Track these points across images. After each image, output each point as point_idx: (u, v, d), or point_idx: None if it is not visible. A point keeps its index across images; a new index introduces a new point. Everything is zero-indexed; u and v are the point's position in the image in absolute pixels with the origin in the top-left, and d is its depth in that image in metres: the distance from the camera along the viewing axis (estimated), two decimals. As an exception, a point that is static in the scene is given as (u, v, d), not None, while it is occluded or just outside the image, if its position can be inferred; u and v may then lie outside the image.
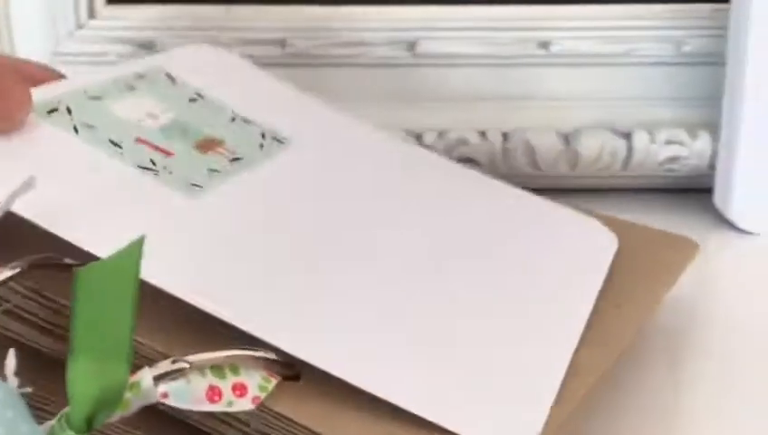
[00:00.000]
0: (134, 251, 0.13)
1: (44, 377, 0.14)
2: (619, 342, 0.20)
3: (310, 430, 0.14)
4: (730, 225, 0.35)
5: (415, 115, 0.38)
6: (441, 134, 0.37)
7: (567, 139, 0.37)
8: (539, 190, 0.29)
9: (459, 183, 0.26)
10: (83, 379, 0.12)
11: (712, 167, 0.36)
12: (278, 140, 0.25)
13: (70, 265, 0.16)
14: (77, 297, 0.12)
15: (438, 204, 0.24)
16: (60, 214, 0.17)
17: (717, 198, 0.35)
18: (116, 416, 0.13)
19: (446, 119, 0.37)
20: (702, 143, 0.36)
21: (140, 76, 0.25)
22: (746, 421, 0.23)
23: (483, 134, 0.37)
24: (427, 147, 0.35)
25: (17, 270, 0.16)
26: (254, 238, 0.20)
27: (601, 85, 0.38)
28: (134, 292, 0.12)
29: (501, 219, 0.25)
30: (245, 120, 0.25)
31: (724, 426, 0.22)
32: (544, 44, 0.38)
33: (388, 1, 0.38)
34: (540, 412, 0.16)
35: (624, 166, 0.37)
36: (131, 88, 0.24)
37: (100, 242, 0.15)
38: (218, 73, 0.28)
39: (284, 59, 0.38)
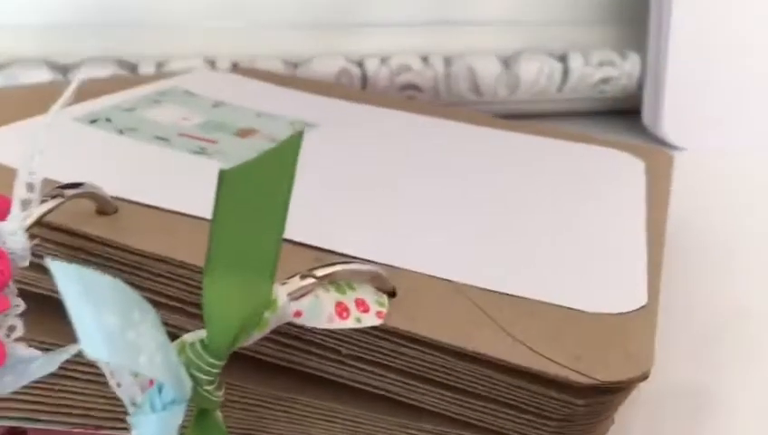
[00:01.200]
0: (291, 148, 0.11)
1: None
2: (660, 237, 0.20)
3: (429, 340, 0.13)
4: (660, 142, 0.36)
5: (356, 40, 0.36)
6: (383, 60, 0.35)
7: (507, 63, 0.37)
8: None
9: (487, 143, 0.25)
10: (226, 298, 0.10)
11: (641, 87, 0.38)
12: (308, 124, 0.24)
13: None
14: (220, 204, 0.10)
15: (477, 164, 0.23)
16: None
17: (646, 117, 0.37)
18: (253, 338, 0.11)
19: (387, 44, 0.36)
20: (631, 64, 0.38)
21: (162, 93, 0.25)
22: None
23: (425, 60, 0.36)
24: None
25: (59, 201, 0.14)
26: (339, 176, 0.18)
27: (534, 8, 0.38)
28: (287, 195, 0.11)
29: (538, 172, 0.24)
30: (270, 115, 0.24)
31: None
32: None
33: None
34: (641, 284, 0.16)
35: (559, 89, 0.37)
36: (157, 102, 0.24)
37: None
38: (232, 88, 0.27)
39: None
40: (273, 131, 0.23)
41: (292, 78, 0.32)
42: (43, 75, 0.32)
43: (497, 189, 0.20)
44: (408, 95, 0.36)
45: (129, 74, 0.32)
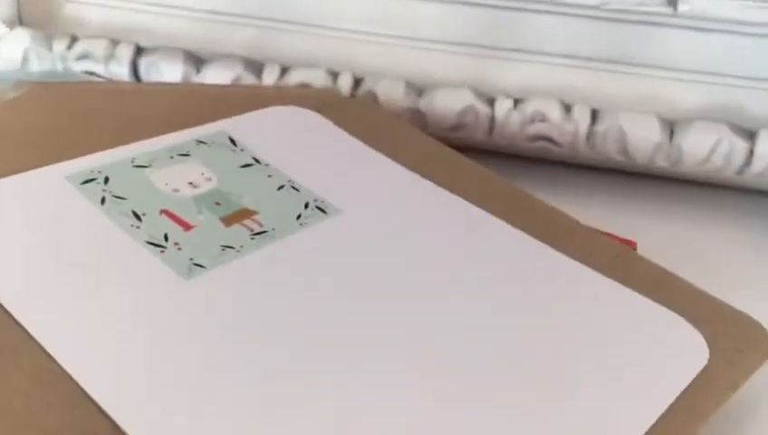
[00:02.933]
0: None
1: None
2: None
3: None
4: None
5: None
6: (517, 103, 0.31)
7: (671, 129, 0.30)
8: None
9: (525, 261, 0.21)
10: None
11: None
12: (322, 210, 0.21)
13: None
14: None
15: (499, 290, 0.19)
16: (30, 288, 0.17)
17: None
18: None
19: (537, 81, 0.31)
20: None
21: (201, 142, 0.23)
22: None
23: (567, 109, 0.30)
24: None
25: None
26: (210, 337, 0.17)
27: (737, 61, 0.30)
28: None
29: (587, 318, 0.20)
30: (295, 188, 0.22)
31: None
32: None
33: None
34: None
35: (740, 172, 0.29)
36: (186, 154, 0.23)
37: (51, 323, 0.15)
38: (294, 135, 0.25)
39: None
40: (273, 216, 0.21)
41: (392, 120, 0.29)
42: (177, 69, 0.33)
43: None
44: (542, 147, 0.31)
45: (212, 85, 0.31)
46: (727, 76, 0.30)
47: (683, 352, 0.18)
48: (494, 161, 0.32)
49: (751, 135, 0.29)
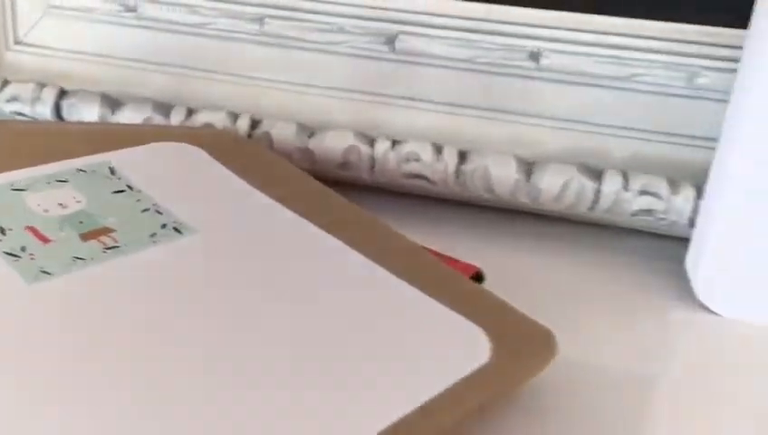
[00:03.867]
0: None
1: None
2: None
3: None
4: (694, 299, 0.30)
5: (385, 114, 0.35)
6: (395, 144, 0.34)
7: (528, 170, 0.33)
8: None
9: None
10: None
11: (692, 224, 0.31)
12: (178, 231, 0.24)
13: None
14: None
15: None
16: None
17: (689, 263, 0.31)
18: None
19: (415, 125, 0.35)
20: (683, 199, 0.31)
21: (81, 170, 0.26)
22: None
23: (438, 151, 0.33)
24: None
25: None
26: (49, 340, 0.19)
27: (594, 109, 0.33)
28: None
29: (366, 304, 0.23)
30: (159, 212, 0.25)
31: None
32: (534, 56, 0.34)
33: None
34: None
35: (591, 208, 0.32)
36: (64, 181, 0.25)
37: None
38: (172, 168, 0.28)
39: (263, 37, 0.36)
40: (128, 234, 0.24)
41: (272, 157, 0.32)
42: (94, 110, 0.36)
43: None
44: (418, 184, 0.34)
45: (118, 124, 0.34)
46: (584, 123, 0.33)
47: (464, 349, 0.21)
48: (379, 197, 0.35)
49: (598, 175, 0.32)
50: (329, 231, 0.26)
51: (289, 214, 0.27)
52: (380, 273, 0.24)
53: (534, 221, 0.35)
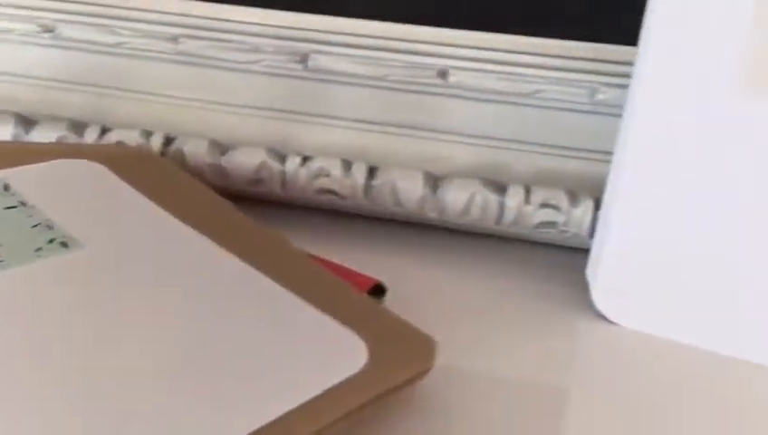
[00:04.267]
0: None
1: None
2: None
3: None
4: (594, 309, 0.31)
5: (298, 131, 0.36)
6: (305, 160, 0.34)
7: (436, 184, 0.33)
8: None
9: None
10: None
11: (593, 235, 0.32)
12: (65, 245, 0.24)
13: None
14: None
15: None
16: None
17: (589, 273, 0.31)
18: None
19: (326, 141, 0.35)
20: (583, 211, 0.32)
21: None
22: None
23: (347, 166, 0.34)
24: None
25: None
26: None
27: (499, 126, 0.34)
28: None
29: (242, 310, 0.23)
30: (50, 227, 0.25)
31: None
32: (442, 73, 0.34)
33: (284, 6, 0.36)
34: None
35: (497, 222, 0.33)
36: None
37: None
38: (71, 184, 0.28)
39: (177, 56, 0.37)
40: (12, 249, 0.24)
41: (178, 174, 0.32)
42: (8, 130, 0.36)
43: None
44: (329, 199, 0.34)
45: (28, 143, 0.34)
46: (490, 138, 0.34)
47: (340, 356, 0.21)
48: (292, 212, 0.36)
49: (502, 189, 0.33)
50: (219, 243, 0.26)
51: (180, 226, 0.27)
52: (265, 282, 0.24)
53: (444, 235, 0.35)
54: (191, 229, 0.27)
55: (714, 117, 0.27)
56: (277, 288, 0.24)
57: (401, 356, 0.22)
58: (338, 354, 0.22)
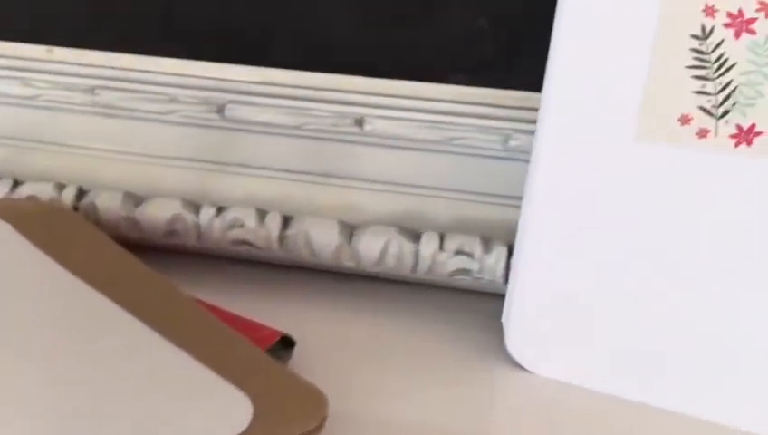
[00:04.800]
0: None
1: None
2: None
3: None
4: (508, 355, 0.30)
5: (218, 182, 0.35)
6: (220, 211, 0.34)
7: (351, 233, 0.33)
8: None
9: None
10: None
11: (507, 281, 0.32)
12: None
13: None
14: None
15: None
16: None
17: (504, 320, 0.31)
18: None
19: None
20: (495, 258, 0.32)
21: None
22: None
23: (262, 217, 0.33)
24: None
25: None
26: None
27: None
28: None
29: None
30: None
31: None
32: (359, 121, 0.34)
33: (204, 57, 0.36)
34: None
35: (413, 270, 0.33)
36: None
37: None
38: None
39: (95, 108, 0.36)
40: None
41: (85, 229, 0.31)
42: None
43: None
44: (245, 250, 0.34)
45: None
46: (407, 185, 0.34)
47: (225, 415, 0.21)
48: (208, 262, 0.35)
49: (417, 237, 0.32)
50: (112, 297, 0.25)
51: (75, 282, 0.26)
52: (154, 338, 0.24)
53: (361, 282, 0.35)
54: (84, 285, 0.26)
55: (613, 163, 0.28)
56: (166, 344, 0.23)
57: (289, 413, 0.22)
58: (220, 412, 0.21)
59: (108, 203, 0.34)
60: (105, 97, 0.36)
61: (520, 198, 0.33)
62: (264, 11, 0.35)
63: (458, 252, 0.32)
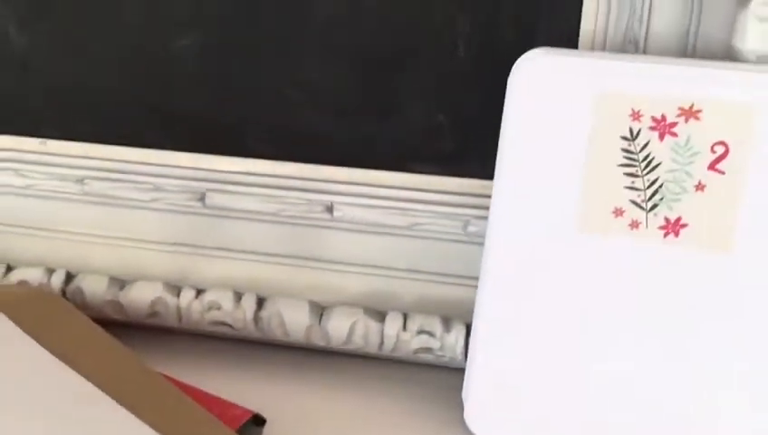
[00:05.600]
0: None
1: None
2: None
3: None
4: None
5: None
6: (199, 293, 0.36)
7: (321, 314, 0.35)
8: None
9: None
10: None
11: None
12: None
13: None
14: None
15: None
16: None
17: (464, 393, 0.33)
18: None
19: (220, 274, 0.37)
20: (455, 336, 0.34)
21: None
22: None
23: (238, 298, 0.36)
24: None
25: None
26: None
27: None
28: None
29: None
30: None
31: None
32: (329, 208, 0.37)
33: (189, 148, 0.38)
34: None
35: (379, 348, 0.35)
36: None
37: None
38: None
39: (84, 196, 0.39)
40: None
41: (70, 313, 0.34)
42: None
43: None
44: (222, 330, 0.36)
45: None
46: (374, 267, 0.36)
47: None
48: (188, 339, 0.37)
49: (382, 317, 0.35)
50: (96, 382, 0.27)
51: (56, 363, 0.28)
52: (128, 417, 0.26)
53: (331, 358, 0.37)
54: (63, 365, 0.28)
55: (557, 251, 0.30)
56: (139, 424, 0.26)
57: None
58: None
59: (94, 287, 0.36)
60: (93, 186, 0.39)
61: (477, 279, 0.35)
62: (241, 105, 0.38)
63: (420, 331, 0.34)
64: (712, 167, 0.28)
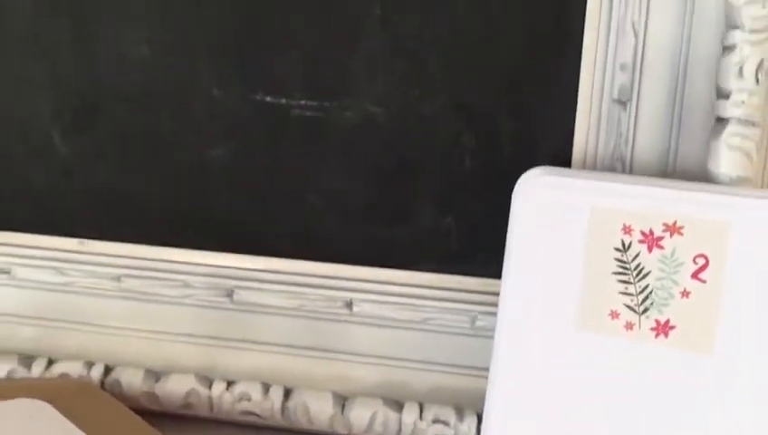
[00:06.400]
0: None
1: None
2: None
3: None
4: None
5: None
6: (230, 385, 0.39)
7: (343, 404, 0.38)
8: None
9: None
10: None
11: (479, 448, 0.37)
12: None
13: None
14: None
15: None
16: None
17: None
18: None
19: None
20: (468, 426, 0.37)
21: None
22: None
23: (266, 389, 0.39)
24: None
25: None
26: None
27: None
28: None
29: None
30: None
31: None
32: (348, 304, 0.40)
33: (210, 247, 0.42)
34: None
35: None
36: None
37: None
38: (16, 424, 0.33)
39: (120, 293, 0.42)
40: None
41: (110, 404, 0.36)
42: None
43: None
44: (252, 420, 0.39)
45: None
46: (390, 359, 0.40)
47: None
48: (219, 427, 0.40)
49: (400, 407, 0.38)
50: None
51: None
52: None
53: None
54: None
55: (558, 348, 0.33)
56: None
57: None
58: None
59: (131, 380, 0.39)
60: (129, 283, 0.42)
61: (487, 370, 0.39)
62: (267, 209, 0.41)
63: (435, 420, 0.37)
64: (695, 276, 0.32)
